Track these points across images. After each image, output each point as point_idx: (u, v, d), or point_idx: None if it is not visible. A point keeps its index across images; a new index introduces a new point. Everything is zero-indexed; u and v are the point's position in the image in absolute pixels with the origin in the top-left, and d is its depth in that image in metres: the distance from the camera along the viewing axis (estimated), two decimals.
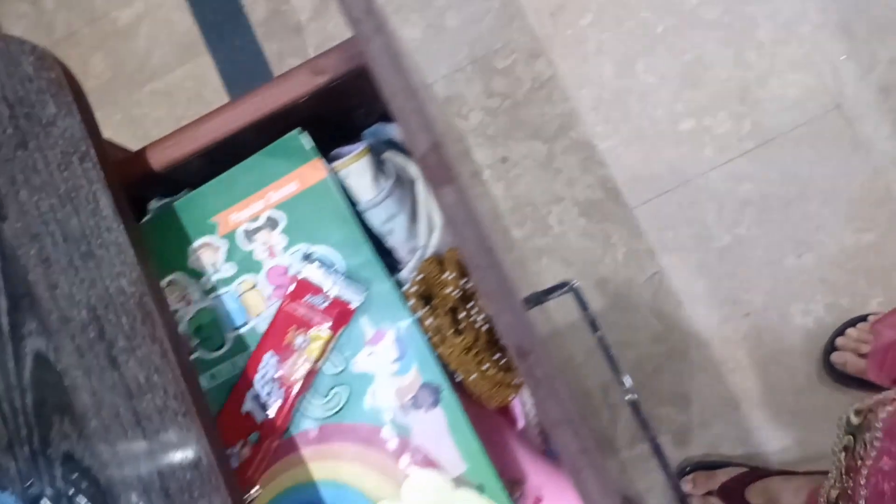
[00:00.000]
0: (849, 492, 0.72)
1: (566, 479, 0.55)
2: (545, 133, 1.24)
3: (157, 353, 0.45)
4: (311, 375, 0.51)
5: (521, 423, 0.58)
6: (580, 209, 1.21)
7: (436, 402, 0.50)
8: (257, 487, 0.50)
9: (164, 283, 0.54)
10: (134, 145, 1.40)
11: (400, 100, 0.45)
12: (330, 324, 0.51)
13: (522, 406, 0.58)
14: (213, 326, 0.53)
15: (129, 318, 0.46)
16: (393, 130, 0.58)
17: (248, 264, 0.53)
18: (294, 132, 0.53)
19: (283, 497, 0.51)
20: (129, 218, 0.48)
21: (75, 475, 0.45)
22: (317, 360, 0.51)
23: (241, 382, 0.51)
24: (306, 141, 0.53)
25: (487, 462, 0.50)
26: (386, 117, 0.58)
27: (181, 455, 0.44)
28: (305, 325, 0.51)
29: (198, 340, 0.53)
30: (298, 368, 0.50)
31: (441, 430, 0.50)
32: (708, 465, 1.14)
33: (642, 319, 1.19)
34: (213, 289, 0.53)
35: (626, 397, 0.59)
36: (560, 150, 1.23)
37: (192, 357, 0.52)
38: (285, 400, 0.50)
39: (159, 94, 1.40)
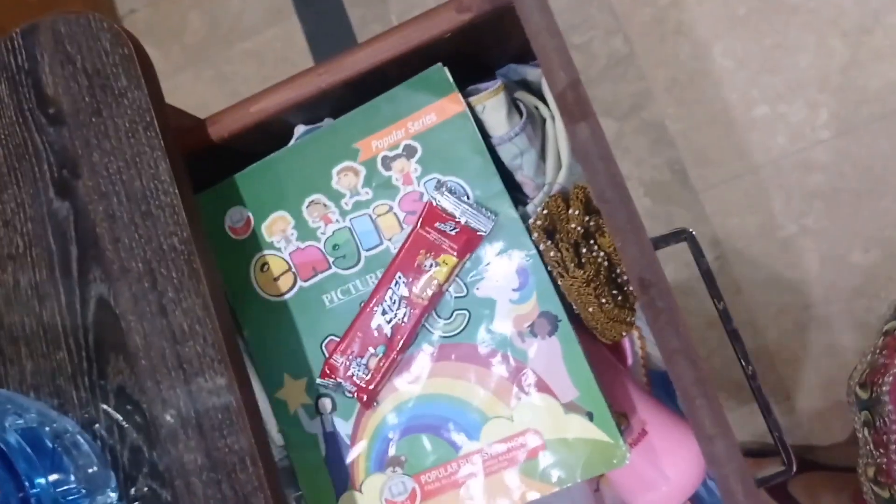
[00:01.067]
0: (883, 466, 0.72)
1: (671, 416, 0.58)
2: (617, 111, 1.25)
3: (199, 305, 0.51)
4: (437, 297, 0.54)
5: (629, 361, 0.61)
6: (645, 189, 1.22)
7: (552, 331, 0.53)
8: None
9: (306, 202, 0.57)
10: (223, 101, 1.48)
11: (543, 38, 0.49)
12: (457, 249, 0.54)
13: (632, 345, 0.61)
14: (348, 246, 0.56)
15: (178, 273, 0.51)
16: (524, 71, 0.59)
17: (384, 189, 0.56)
18: (436, 66, 0.55)
19: (402, 408, 0.55)
20: (184, 183, 0.53)
21: (125, 407, 0.51)
22: (443, 284, 0.54)
23: (373, 298, 0.55)
24: (447, 75, 0.55)
25: (599, 391, 0.52)
26: (518, 58, 0.60)
27: (214, 397, 0.50)
28: (435, 249, 0.54)
29: (334, 258, 0.57)
30: (426, 289, 0.54)
31: (556, 357, 0.53)
32: (753, 453, 1.15)
33: (698, 304, 1.19)
34: (352, 210, 0.57)
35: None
36: (630, 129, 1.24)
37: (329, 273, 0.57)
38: (412, 318, 0.54)
39: (249, 53, 1.47)
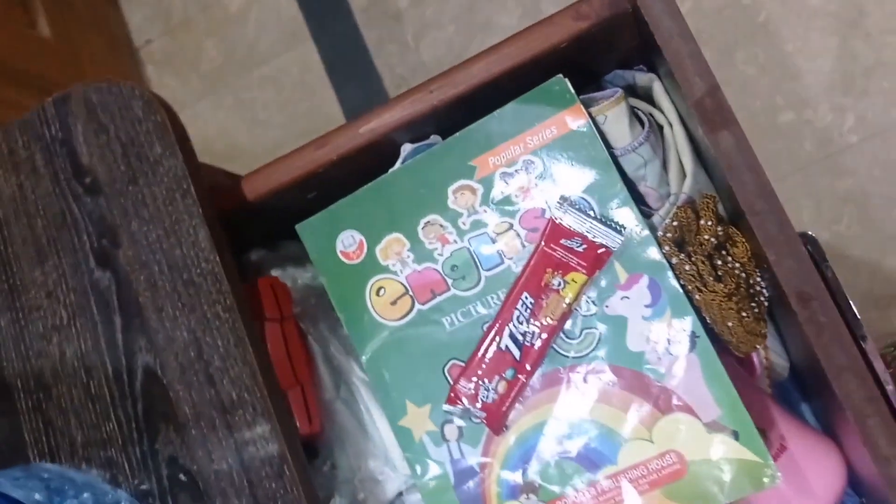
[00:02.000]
0: None
1: (808, 428, 0.56)
2: None
3: (247, 374, 0.51)
4: (566, 317, 0.52)
5: (758, 372, 0.59)
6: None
7: (691, 348, 0.51)
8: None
9: (421, 223, 0.55)
10: (244, 128, 1.48)
11: (676, 43, 0.47)
12: (586, 266, 0.51)
13: (757, 355, 0.59)
14: (467, 266, 0.54)
15: (223, 341, 0.51)
16: (632, 77, 0.57)
17: (504, 207, 0.54)
18: (556, 77, 0.53)
19: (533, 432, 0.53)
20: (224, 249, 0.54)
21: (177, 476, 0.52)
22: (572, 303, 0.51)
23: (498, 320, 0.52)
24: (568, 87, 0.53)
25: (742, 409, 0.49)
26: (622, 64, 0.58)
27: (267, 466, 0.49)
28: (563, 267, 0.51)
29: (453, 279, 0.55)
30: (554, 309, 0.51)
31: (695, 375, 0.50)
32: None
33: None
34: (470, 230, 0.54)
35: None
36: None
37: (448, 295, 0.55)
38: (541, 339, 0.52)
39: (267, 79, 1.47)
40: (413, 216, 0.55)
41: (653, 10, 0.47)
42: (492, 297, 0.54)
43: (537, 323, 0.52)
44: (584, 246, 0.52)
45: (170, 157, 0.54)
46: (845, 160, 1.14)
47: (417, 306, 0.55)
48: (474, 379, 0.53)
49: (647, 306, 0.51)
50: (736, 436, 0.50)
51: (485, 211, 0.54)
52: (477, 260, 0.55)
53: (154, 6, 1.56)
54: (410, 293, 0.55)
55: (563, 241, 0.52)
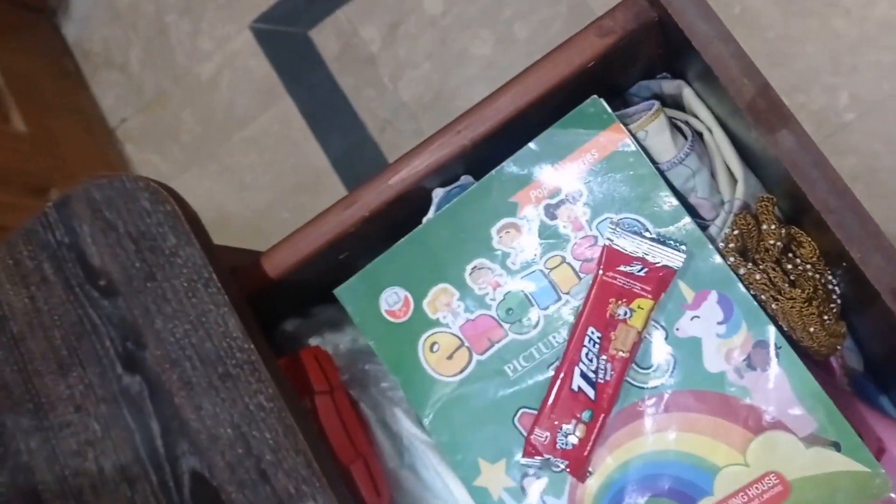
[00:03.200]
0: None
1: None
2: None
3: (302, 463, 0.47)
4: (637, 346, 0.49)
5: (838, 374, 0.55)
6: None
7: (772, 361, 0.47)
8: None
9: (468, 269, 0.52)
10: (232, 194, 1.44)
11: (716, 47, 0.44)
12: (651, 291, 0.48)
13: (835, 356, 0.55)
14: (523, 307, 0.51)
15: (271, 433, 0.47)
16: (658, 86, 0.55)
17: (553, 240, 0.51)
18: (591, 98, 0.50)
19: (620, 473, 0.49)
20: (258, 335, 0.49)
21: None
22: (642, 331, 0.48)
23: (566, 360, 0.49)
24: (604, 106, 0.50)
25: (840, 418, 0.46)
26: (645, 74, 0.56)
27: None
28: (626, 294, 0.48)
29: (510, 323, 0.51)
30: (624, 340, 0.48)
31: (783, 388, 0.47)
32: None
33: None
34: (520, 269, 0.51)
35: None
36: None
37: (507, 340, 0.51)
38: (615, 374, 0.48)
39: (248, 141, 1.44)
40: (458, 263, 0.52)
41: (686, 16, 0.44)
42: (554, 336, 0.51)
43: (608, 357, 0.49)
44: (646, 269, 0.48)
45: (185, 246, 0.50)
46: (846, 139, 1.12)
47: (476, 357, 0.51)
48: (549, 427, 0.49)
49: (720, 323, 0.48)
50: (837, 447, 0.46)
51: (534, 247, 0.51)
52: (532, 299, 0.51)
53: (124, 85, 1.53)
54: (466, 344, 0.52)
55: (621, 268, 0.49)
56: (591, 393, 0.48)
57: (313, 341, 0.59)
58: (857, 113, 1.12)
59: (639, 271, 0.48)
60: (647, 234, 0.49)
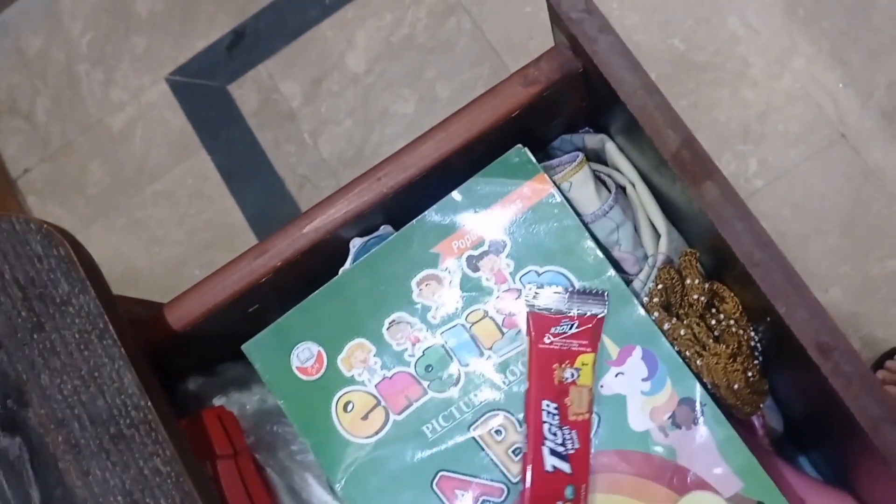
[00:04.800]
0: None
1: (822, 485, 0.52)
2: None
3: None
4: (592, 403, 0.47)
5: (760, 434, 0.55)
6: None
7: (698, 419, 0.46)
8: None
9: (386, 323, 0.49)
10: (141, 248, 1.38)
11: (641, 97, 0.43)
12: (588, 343, 0.47)
13: (757, 416, 0.54)
14: (443, 364, 0.49)
15: (167, 500, 0.43)
16: (580, 140, 0.54)
17: (475, 293, 0.49)
18: (516, 148, 0.49)
19: None
20: (156, 392, 0.46)
21: None
22: (591, 387, 0.47)
23: (532, 442, 0.46)
24: (529, 156, 0.49)
25: (765, 476, 0.45)
26: (569, 128, 0.55)
27: None
28: (566, 356, 0.47)
29: (429, 381, 0.49)
30: (580, 402, 0.47)
31: (708, 447, 0.46)
32: None
33: None
34: (441, 323, 0.49)
35: None
36: None
37: (425, 399, 0.49)
38: (581, 439, 0.46)
39: (160, 194, 1.39)
40: (376, 317, 0.50)
41: (611, 67, 0.43)
42: (475, 395, 0.49)
43: (570, 425, 0.47)
44: (576, 324, 0.47)
45: (80, 294, 0.46)
46: (755, 204, 1.15)
47: (393, 417, 0.49)
48: None
49: (644, 380, 0.47)
50: None
51: (455, 301, 0.49)
52: (453, 355, 0.49)
53: (29, 133, 1.47)
54: (383, 404, 0.49)
55: (553, 330, 0.47)
56: (565, 468, 0.46)
57: (218, 401, 0.55)
58: (765, 180, 1.15)
59: (570, 329, 0.47)
60: (567, 288, 0.48)
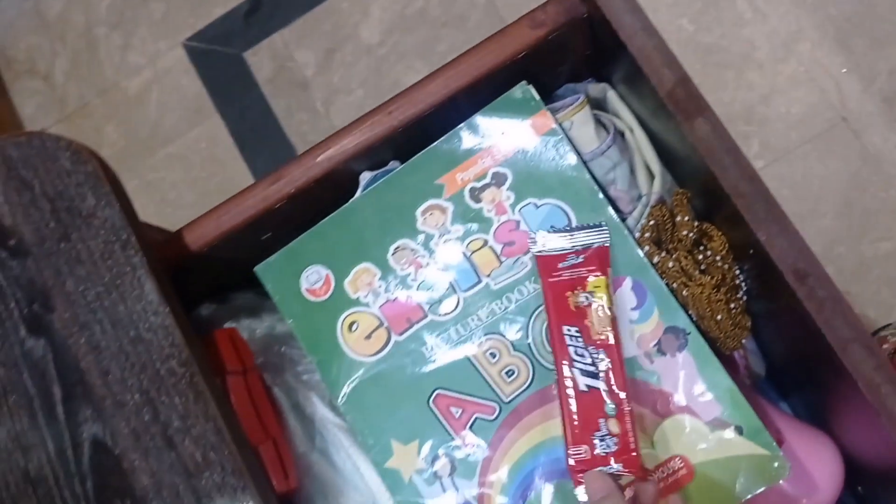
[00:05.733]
0: None
1: (800, 422, 0.54)
2: None
3: (211, 430, 0.45)
4: (616, 321, 0.48)
5: (741, 370, 0.56)
6: None
7: (682, 346, 0.48)
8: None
9: (391, 249, 0.52)
10: (152, 210, 1.41)
11: (640, 39, 0.46)
12: (597, 268, 0.48)
13: (738, 354, 0.56)
14: (443, 289, 0.51)
15: (181, 399, 0.46)
16: (583, 88, 0.56)
17: (476, 223, 0.51)
18: (520, 84, 0.51)
19: (529, 458, 0.49)
20: (173, 300, 0.49)
21: None
22: (611, 305, 0.48)
23: (560, 366, 0.47)
24: (533, 93, 0.51)
25: (744, 402, 0.47)
26: (574, 78, 0.57)
27: None
28: (578, 283, 0.48)
29: (429, 304, 0.51)
30: (602, 322, 0.48)
31: (691, 373, 0.48)
32: None
33: None
34: (443, 251, 0.52)
35: None
36: None
37: (425, 321, 0.51)
38: (612, 357, 0.47)
39: (174, 157, 1.42)
40: (381, 243, 0.52)
41: (613, 9, 0.46)
42: (472, 319, 0.51)
43: (598, 345, 0.47)
44: (581, 256, 0.49)
45: (105, 207, 0.49)
46: None
47: (394, 338, 0.51)
48: (581, 439, 0.46)
49: (633, 309, 0.50)
50: (740, 431, 0.48)
51: (457, 229, 0.52)
52: (453, 281, 0.52)
53: (47, 94, 1.49)
54: (385, 325, 0.52)
55: (559, 266, 0.49)
56: (601, 386, 0.47)
57: (229, 326, 0.58)
58: (766, 160, 1.18)
59: (577, 260, 0.49)
60: (566, 227, 0.50)
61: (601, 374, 0.47)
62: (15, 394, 0.48)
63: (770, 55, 1.20)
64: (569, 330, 0.48)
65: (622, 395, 0.46)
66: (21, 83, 1.52)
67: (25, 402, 0.47)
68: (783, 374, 0.59)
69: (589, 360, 0.47)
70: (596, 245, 0.49)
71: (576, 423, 0.46)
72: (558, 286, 0.49)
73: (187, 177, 1.40)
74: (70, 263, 0.48)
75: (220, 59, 1.44)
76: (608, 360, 0.47)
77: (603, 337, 0.48)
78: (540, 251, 0.50)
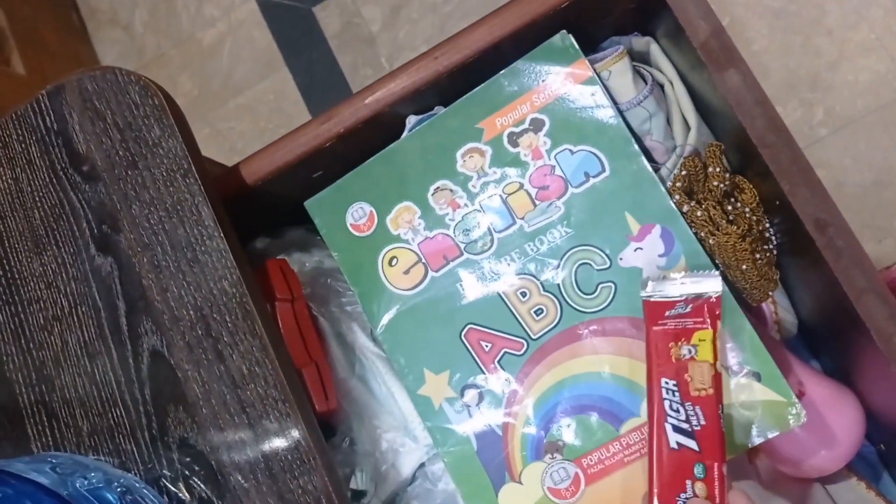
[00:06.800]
0: None
1: (824, 376, 0.55)
2: None
3: (257, 347, 0.49)
4: (719, 378, 0.47)
5: (768, 326, 0.58)
6: None
7: None
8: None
9: (431, 189, 0.55)
10: (222, 158, 1.48)
11: None
12: (704, 320, 0.47)
13: (767, 307, 0.58)
14: (479, 229, 0.54)
15: (231, 316, 0.50)
16: (626, 42, 0.57)
17: (513, 167, 0.53)
18: (560, 33, 0.53)
19: (555, 392, 0.51)
20: (228, 227, 0.52)
21: (189, 458, 0.50)
22: (714, 362, 0.46)
23: (654, 421, 0.46)
24: (572, 42, 0.53)
25: (764, 350, 0.49)
26: (619, 32, 0.58)
27: (282, 438, 0.48)
28: (682, 334, 0.47)
29: (465, 243, 0.54)
30: (702, 377, 0.46)
31: None
32: None
33: None
34: (480, 192, 0.54)
35: None
36: None
37: (461, 259, 0.54)
38: (707, 414, 0.45)
39: (242, 108, 1.47)
40: (422, 183, 0.55)
41: None
42: (505, 259, 0.53)
43: (692, 401, 0.46)
44: (690, 305, 0.48)
45: (169, 138, 0.53)
46: (817, 153, 1.16)
47: (431, 273, 0.54)
48: (666, 499, 0.45)
49: (660, 256, 0.51)
50: (758, 377, 0.49)
51: (494, 172, 0.54)
52: (489, 222, 0.54)
53: (127, 44, 1.56)
54: (423, 261, 0.54)
55: (667, 314, 0.48)
56: (692, 444, 0.45)
57: (280, 258, 0.62)
58: (830, 129, 1.16)
59: (685, 309, 0.48)
60: (675, 275, 0.50)
61: (695, 433, 0.45)
62: (84, 305, 0.52)
63: (840, 21, 1.17)
64: (667, 383, 0.47)
65: (715, 459, 0.45)
66: (103, 32, 1.58)
67: (93, 314, 0.52)
68: (813, 332, 0.60)
69: (683, 417, 0.46)
70: (706, 296, 0.48)
71: (662, 481, 0.45)
72: (662, 336, 0.48)
73: (255, 127, 1.44)
74: (136, 189, 0.52)
75: (290, 14, 1.48)
76: (704, 418, 0.46)
77: (702, 393, 0.46)
78: (649, 296, 0.49)
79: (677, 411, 0.46)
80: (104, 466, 0.49)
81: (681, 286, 0.48)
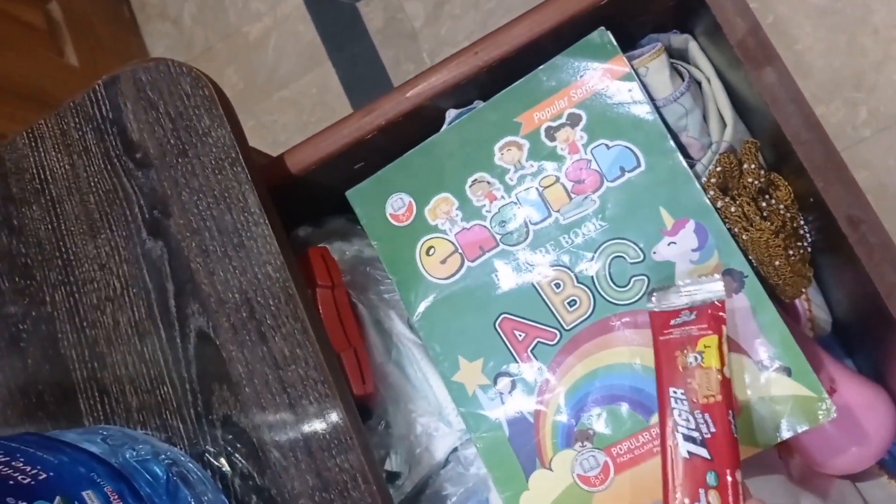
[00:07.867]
0: None
1: (856, 373, 0.56)
2: None
3: (298, 329, 0.51)
4: (728, 384, 0.46)
5: (802, 323, 0.58)
6: None
7: (739, 288, 0.50)
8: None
9: (469, 181, 0.56)
10: (265, 148, 1.50)
11: None
12: (709, 326, 0.47)
13: (801, 304, 0.58)
14: (515, 221, 0.55)
15: (274, 300, 0.52)
16: (666, 39, 0.58)
17: (550, 161, 0.55)
18: (599, 30, 0.54)
19: (586, 382, 0.52)
20: (272, 213, 0.54)
21: (232, 435, 0.52)
22: (721, 367, 0.46)
23: (665, 432, 0.46)
24: (610, 38, 0.54)
25: (794, 345, 0.49)
26: (658, 29, 0.59)
27: (320, 418, 0.49)
28: (688, 342, 0.47)
29: (501, 234, 0.55)
30: (709, 384, 0.46)
31: (745, 314, 0.50)
32: None
33: None
34: (517, 185, 0.55)
35: None
36: None
37: (497, 250, 0.55)
38: (718, 422, 0.45)
39: (286, 101, 1.49)
40: (460, 175, 0.56)
41: None
42: (540, 250, 0.55)
43: (701, 409, 0.46)
44: (693, 313, 0.48)
45: (218, 127, 0.55)
46: (860, 153, 1.15)
47: (467, 263, 0.56)
48: None
49: (694, 250, 0.52)
50: (789, 372, 0.50)
51: (531, 166, 0.55)
52: (525, 214, 0.55)
53: (176, 37, 1.59)
54: (460, 251, 0.56)
55: (672, 322, 0.49)
56: (703, 453, 0.45)
57: (322, 246, 0.64)
58: (873, 129, 1.15)
59: (689, 317, 0.48)
60: (678, 283, 0.50)
61: (705, 441, 0.45)
62: (135, 287, 0.55)
63: (887, 20, 1.16)
64: (675, 392, 0.47)
65: (727, 466, 0.44)
66: (152, 25, 1.62)
67: (144, 295, 0.54)
68: (847, 330, 0.60)
69: (693, 425, 0.45)
70: (710, 301, 0.48)
71: (675, 491, 0.45)
72: (668, 345, 0.48)
73: (298, 120, 1.47)
74: (186, 176, 0.54)
75: (334, 9, 1.50)
76: (714, 426, 0.45)
77: (710, 400, 0.45)
78: (653, 308, 0.50)
79: (687, 420, 0.46)
80: (151, 440, 0.51)
81: (684, 295, 0.49)
